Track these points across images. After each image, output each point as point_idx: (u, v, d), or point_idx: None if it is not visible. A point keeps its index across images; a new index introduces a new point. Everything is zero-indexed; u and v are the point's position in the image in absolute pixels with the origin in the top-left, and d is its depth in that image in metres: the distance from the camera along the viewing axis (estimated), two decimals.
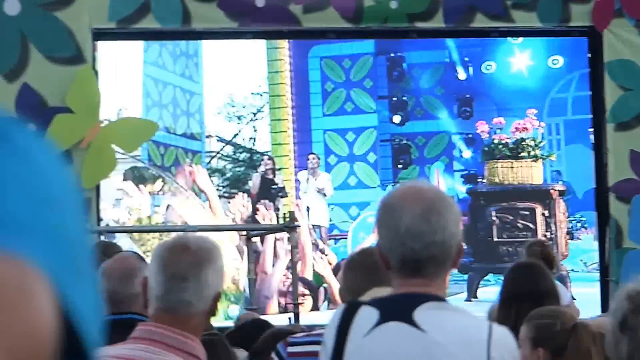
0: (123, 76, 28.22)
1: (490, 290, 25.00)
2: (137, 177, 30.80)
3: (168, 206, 29.64)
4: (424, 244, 5.04)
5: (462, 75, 29.98)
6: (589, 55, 17.78)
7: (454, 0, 17.75)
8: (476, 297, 25.77)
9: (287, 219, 17.80)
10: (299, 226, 17.67)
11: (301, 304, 19.32)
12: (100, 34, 17.43)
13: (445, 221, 5.06)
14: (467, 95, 29.54)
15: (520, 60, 30.35)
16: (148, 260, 7.16)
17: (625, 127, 16.59)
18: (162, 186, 30.26)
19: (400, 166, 29.70)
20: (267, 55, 30.36)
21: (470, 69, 29.98)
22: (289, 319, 16.89)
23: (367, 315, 5.05)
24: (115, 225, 22.55)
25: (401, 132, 29.90)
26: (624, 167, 16.30)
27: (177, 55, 30.76)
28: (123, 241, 21.79)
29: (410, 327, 4.96)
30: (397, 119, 29.75)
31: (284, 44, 30.13)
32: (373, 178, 29.20)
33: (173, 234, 10.89)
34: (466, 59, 29.59)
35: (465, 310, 5.39)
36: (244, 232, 20.53)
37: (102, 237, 18.66)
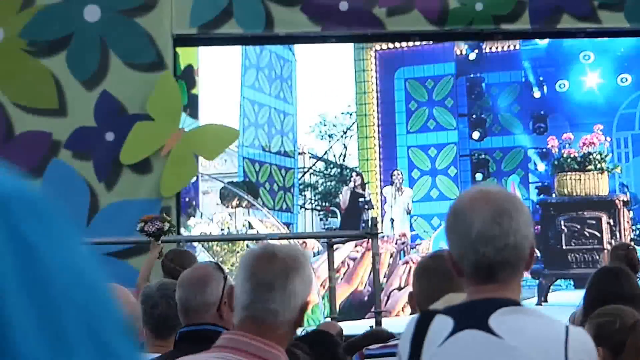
0: (222, 98, 28.31)
1: (561, 295, 25.54)
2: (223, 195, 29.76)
3: (247, 222, 29.07)
4: (496, 248, 4.25)
5: (537, 93, 28.99)
6: None
7: (540, 1, 16.16)
8: (546, 301, 25.07)
9: (370, 226, 14.79)
10: (381, 233, 14.84)
11: (383, 311, 16.37)
12: (181, 40, 16.82)
13: (517, 224, 4.26)
14: (542, 112, 28.54)
15: (591, 79, 29.02)
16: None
17: None
18: (239, 202, 29.90)
19: (479, 179, 28.40)
20: (355, 77, 29.45)
21: (545, 88, 28.85)
22: (370, 327, 14.04)
23: (441, 324, 4.22)
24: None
25: (480, 148, 28.87)
26: None
27: (272, 78, 29.76)
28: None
29: (486, 334, 4.15)
30: (476, 135, 28.81)
31: (371, 66, 29.32)
32: (453, 190, 27.79)
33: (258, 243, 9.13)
34: (541, 78, 28.55)
35: (542, 313, 4.50)
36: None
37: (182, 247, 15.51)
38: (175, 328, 6.68)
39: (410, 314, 5.67)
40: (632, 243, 22.82)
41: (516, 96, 28.81)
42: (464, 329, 4.36)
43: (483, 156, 28.54)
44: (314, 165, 31.13)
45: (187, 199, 25.95)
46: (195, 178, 23.16)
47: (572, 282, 24.65)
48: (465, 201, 4.54)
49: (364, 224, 26.05)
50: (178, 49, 17.91)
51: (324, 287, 24.85)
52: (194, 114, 19.98)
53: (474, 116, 28.58)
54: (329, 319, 14.69)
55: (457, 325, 4.37)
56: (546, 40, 26.86)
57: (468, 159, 28.55)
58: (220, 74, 27.46)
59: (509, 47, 28.51)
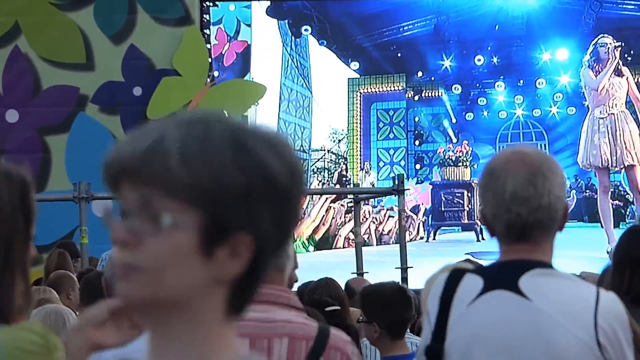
0: (263, 119, 21.72)
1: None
2: None
3: None
4: (530, 209, 2.22)
5: (453, 120, 23.98)
6: None
7: None
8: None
9: (396, 183, 8.65)
10: (408, 189, 9.94)
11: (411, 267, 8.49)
12: None
13: (551, 184, 2.23)
14: (455, 131, 23.81)
15: (485, 113, 23.63)
16: None
17: None
18: None
19: (418, 167, 23.82)
20: (348, 107, 24.03)
21: (458, 117, 23.71)
22: (398, 283, 6.12)
23: (471, 283, 2.27)
24: None
25: (419, 150, 24.22)
26: None
27: (297, 106, 24.17)
28: None
29: (515, 295, 2.20)
30: (417, 142, 24.41)
31: (358, 101, 23.94)
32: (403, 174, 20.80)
33: None
34: (453, 112, 23.61)
35: (573, 277, 2.41)
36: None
37: None
38: None
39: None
40: None
41: (440, 122, 24.09)
42: (494, 289, 2.19)
43: (421, 155, 24.33)
44: (323, 156, 26.28)
45: None
46: None
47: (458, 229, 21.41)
48: (500, 161, 2.27)
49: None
50: None
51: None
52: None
53: (416, 132, 24.57)
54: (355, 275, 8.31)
55: (486, 285, 2.21)
56: (460, 90, 23.33)
57: (412, 156, 24.47)
58: (264, 106, 21.26)
59: (438, 94, 23.80)
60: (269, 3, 18.97)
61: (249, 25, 16.91)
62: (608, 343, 2.09)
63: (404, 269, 8.42)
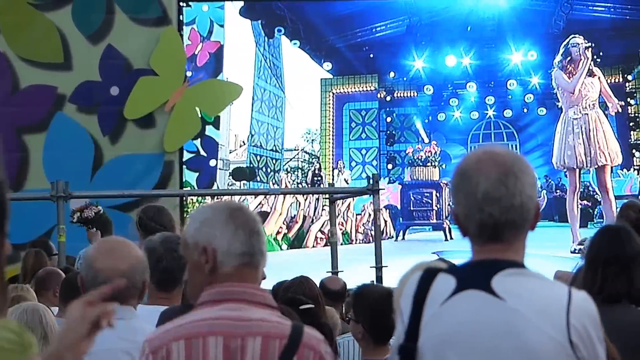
0: (237, 118, 23.94)
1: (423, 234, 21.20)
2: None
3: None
4: (502, 209, 2.21)
5: (425, 120, 24.01)
6: None
7: None
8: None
9: (371, 182, 8.65)
10: (382, 189, 10.07)
11: (386, 267, 8.37)
12: None
13: (522, 184, 2.23)
14: (427, 131, 23.91)
15: (456, 115, 23.46)
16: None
17: None
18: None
19: (390, 167, 23.82)
20: (320, 107, 24.22)
21: (430, 117, 23.99)
22: (372, 281, 7.50)
23: (444, 283, 2.27)
24: None
25: (391, 150, 24.23)
26: None
27: (270, 106, 23.95)
28: None
29: (488, 295, 2.20)
30: (389, 142, 24.35)
31: (330, 101, 24.07)
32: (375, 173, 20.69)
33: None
34: (428, 112, 23.67)
35: (544, 277, 2.34)
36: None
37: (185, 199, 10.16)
38: (179, 281, 3.64)
39: None
40: None
41: (412, 122, 24.16)
42: (467, 289, 2.19)
43: (393, 154, 24.29)
44: (296, 155, 26.46)
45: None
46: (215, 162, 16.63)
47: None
48: (471, 161, 2.26)
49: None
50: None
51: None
52: (216, 126, 12.22)
53: (388, 132, 24.53)
54: (330, 274, 8.15)
55: (459, 284, 2.20)
56: (432, 91, 23.45)
57: (384, 156, 24.50)
58: (238, 106, 22.34)
59: (410, 94, 23.90)
60: (242, 4, 19.28)
61: (222, 26, 17.13)
62: (580, 342, 2.10)
63: (379, 267, 8.33)
